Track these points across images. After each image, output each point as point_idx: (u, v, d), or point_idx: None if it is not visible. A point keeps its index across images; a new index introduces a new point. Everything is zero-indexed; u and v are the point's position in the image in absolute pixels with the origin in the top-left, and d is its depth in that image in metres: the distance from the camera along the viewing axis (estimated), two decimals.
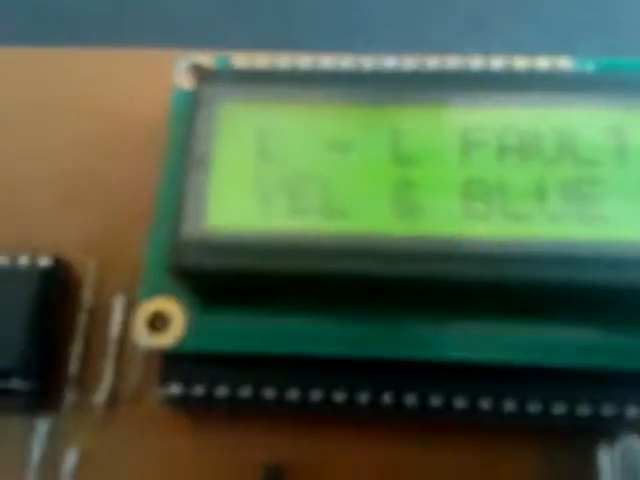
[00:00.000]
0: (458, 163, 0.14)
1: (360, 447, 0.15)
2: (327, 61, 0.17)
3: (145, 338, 0.14)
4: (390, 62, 0.17)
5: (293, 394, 0.15)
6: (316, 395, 0.15)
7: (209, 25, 0.21)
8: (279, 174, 0.14)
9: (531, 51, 0.20)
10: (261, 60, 0.17)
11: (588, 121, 0.14)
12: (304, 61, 0.17)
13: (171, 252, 0.13)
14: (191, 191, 0.13)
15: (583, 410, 0.15)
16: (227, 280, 0.13)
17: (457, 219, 0.14)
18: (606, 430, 0.15)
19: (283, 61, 0.17)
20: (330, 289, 0.14)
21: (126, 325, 0.16)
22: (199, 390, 0.15)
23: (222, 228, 0.13)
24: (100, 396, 0.16)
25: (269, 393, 0.15)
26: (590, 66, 0.16)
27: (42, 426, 0.16)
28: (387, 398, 0.15)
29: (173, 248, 0.13)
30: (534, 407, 0.15)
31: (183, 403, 0.15)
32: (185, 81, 0.17)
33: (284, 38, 0.21)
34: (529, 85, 0.15)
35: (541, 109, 0.14)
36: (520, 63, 0.16)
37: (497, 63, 0.16)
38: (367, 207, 0.14)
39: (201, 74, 0.15)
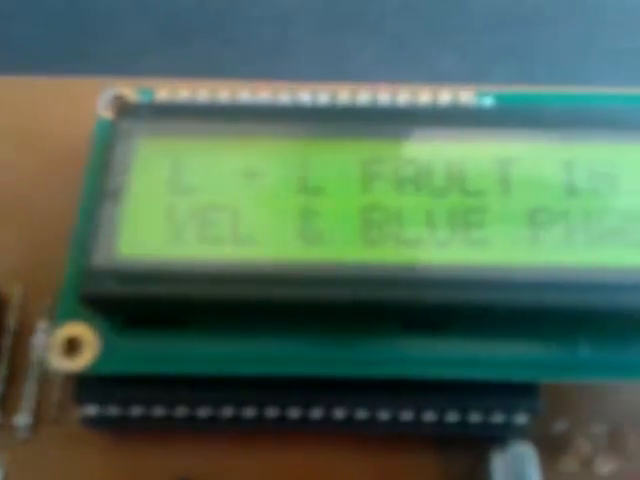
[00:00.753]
0: (359, 193, 0.15)
1: (267, 460, 0.16)
2: (244, 94, 0.18)
3: (59, 362, 0.14)
4: (305, 96, 0.18)
5: (203, 412, 0.16)
6: (226, 412, 0.16)
7: (144, 54, 0.22)
8: (191, 204, 0.15)
9: (450, 78, 0.21)
10: (182, 91, 0.18)
11: (476, 154, 0.16)
12: (223, 94, 0.17)
13: (80, 280, 0.14)
14: (103, 221, 0.14)
15: (475, 418, 0.16)
16: (136, 307, 0.14)
17: (356, 245, 0.15)
18: (498, 437, 0.16)
19: (202, 92, 0.18)
20: (237, 313, 0.15)
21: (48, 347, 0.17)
22: (113, 410, 0.16)
23: (132, 257, 0.14)
24: (22, 417, 0.17)
25: (180, 411, 0.16)
26: (489, 100, 0.18)
27: None
28: (294, 413, 0.16)
29: (82, 276, 0.14)
30: (429, 416, 0.16)
31: (99, 423, 0.16)
32: (108, 112, 0.17)
33: (219, 66, 0.22)
34: (428, 120, 0.16)
35: (436, 143, 0.16)
36: (424, 96, 0.18)
37: (403, 96, 0.18)
38: (274, 234, 0.15)
39: (121, 106, 0.16)
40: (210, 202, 0.15)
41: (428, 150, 0.16)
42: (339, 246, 0.15)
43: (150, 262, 0.14)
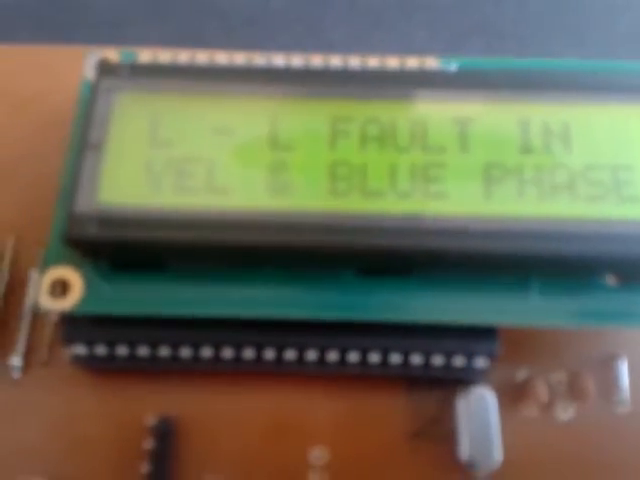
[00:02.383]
0: (327, 149, 0.16)
1: (245, 398, 0.17)
2: (222, 57, 0.19)
3: (48, 302, 0.16)
4: (279, 60, 0.19)
5: (185, 352, 0.17)
6: (206, 353, 0.17)
7: (129, 24, 0.23)
8: (168, 156, 0.16)
9: (422, 51, 0.22)
10: (163, 56, 0.19)
11: (437, 114, 0.17)
12: (201, 57, 0.19)
13: (65, 224, 0.15)
14: (85, 171, 0.15)
15: (437, 361, 0.17)
16: (116, 250, 0.15)
17: (322, 196, 0.16)
18: (462, 380, 0.18)
19: (182, 57, 0.19)
20: (210, 258, 0.16)
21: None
22: (101, 350, 0.17)
23: (113, 203, 0.15)
24: (15, 359, 0.18)
25: (164, 352, 0.17)
26: (453, 65, 0.19)
27: None
28: (269, 354, 0.17)
29: (67, 221, 0.15)
30: (395, 358, 0.17)
31: (87, 362, 0.17)
32: (91, 74, 0.18)
33: (198, 36, 0.23)
34: (393, 82, 0.17)
35: (400, 104, 0.17)
36: (392, 62, 0.19)
37: (372, 62, 0.19)
38: (245, 185, 0.16)
39: (103, 66, 0.17)
40: (185, 155, 0.16)
41: (392, 110, 0.17)
42: (306, 197, 0.16)
43: (129, 209, 0.15)
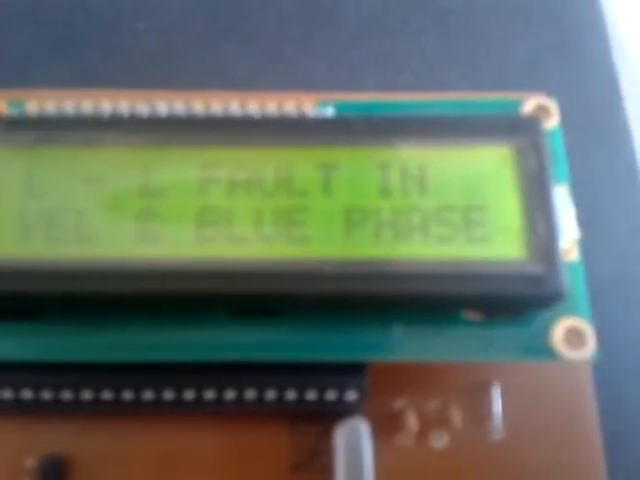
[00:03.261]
0: (196, 195, 0.17)
1: (129, 437, 0.18)
2: (106, 104, 0.19)
3: None
4: (162, 107, 0.19)
5: (66, 395, 0.17)
6: (86, 395, 0.17)
7: (33, 64, 0.23)
8: (40, 207, 0.17)
9: (319, 87, 0.23)
10: (49, 103, 0.19)
11: (302, 158, 0.17)
12: (85, 104, 0.19)
13: None
14: None
15: (311, 395, 0.18)
16: None
17: (189, 243, 0.16)
18: (337, 413, 0.18)
19: (69, 104, 0.19)
20: (80, 307, 0.16)
21: None
22: None
23: None
24: None
25: (45, 395, 0.17)
26: (330, 109, 0.19)
27: None
28: (147, 395, 0.18)
29: None
30: (271, 395, 0.18)
31: None
32: None
33: (101, 73, 0.23)
34: (261, 128, 0.18)
35: (267, 148, 0.17)
36: (271, 106, 0.19)
37: (252, 106, 0.19)
38: (113, 234, 0.16)
39: None
40: (56, 205, 0.16)
41: (260, 156, 0.17)
42: (173, 244, 0.16)
43: (0, 260, 0.16)
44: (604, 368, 0.19)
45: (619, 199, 0.25)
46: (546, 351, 0.17)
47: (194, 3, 0.25)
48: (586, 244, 0.19)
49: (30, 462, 0.17)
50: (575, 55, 0.26)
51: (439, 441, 0.19)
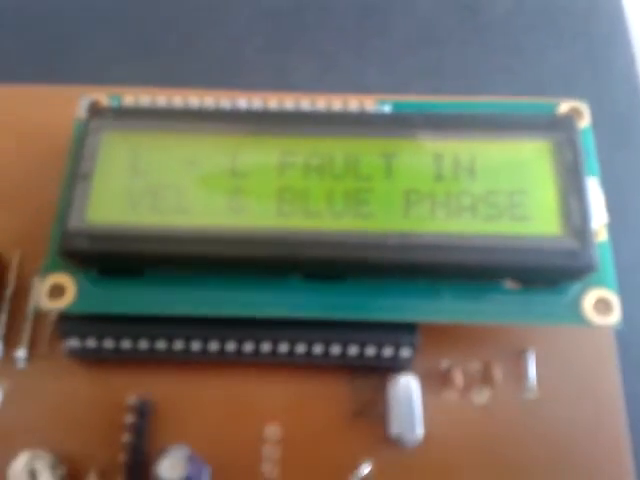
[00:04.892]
0: (276, 177, 0.20)
1: (210, 384, 0.21)
2: (194, 99, 0.22)
3: (47, 304, 0.19)
4: (242, 101, 0.22)
5: (160, 345, 0.20)
6: (177, 345, 0.20)
7: (118, 65, 0.27)
8: (145, 183, 0.20)
9: (373, 91, 0.26)
10: (144, 99, 0.22)
11: (367, 148, 0.20)
12: (176, 99, 0.22)
13: (61, 240, 0.18)
14: (76, 195, 0.19)
15: (370, 351, 0.20)
16: (101, 260, 0.19)
17: (272, 216, 0.19)
18: (392, 368, 0.21)
19: (160, 99, 0.22)
20: (180, 266, 0.19)
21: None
22: (91, 343, 0.20)
23: (99, 222, 0.19)
24: (21, 351, 0.21)
25: (143, 344, 0.20)
26: (387, 107, 0.22)
27: None
28: (230, 346, 0.20)
29: (61, 237, 0.18)
30: (335, 349, 0.20)
31: (79, 353, 0.21)
32: (84, 114, 0.22)
33: (179, 78, 0.26)
34: (331, 121, 0.21)
35: (337, 138, 0.20)
36: (336, 103, 0.22)
37: (320, 102, 0.22)
38: (208, 207, 0.19)
39: (93, 110, 0.21)
40: (159, 182, 0.20)
41: (331, 145, 0.20)
42: (258, 216, 0.19)
43: (112, 226, 0.19)
44: (626, 336, 0.22)
45: None
46: (577, 317, 0.19)
47: (261, 15, 0.28)
48: (612, 233, 0.21)
49: (130, 400, 0.20)
50: (603, 66, 0.29)
51: (480, 397, 0.21)
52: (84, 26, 0.28)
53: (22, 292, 0.22)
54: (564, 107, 0.22)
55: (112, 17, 0.28)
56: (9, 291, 0.22)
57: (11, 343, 0.22)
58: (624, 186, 0.27)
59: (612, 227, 0.21)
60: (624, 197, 0.27)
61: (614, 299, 0.20)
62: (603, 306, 0.20)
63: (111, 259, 0.19)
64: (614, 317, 0.19)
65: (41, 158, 0.24)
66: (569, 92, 0.24)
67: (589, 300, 0.20)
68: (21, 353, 0.21)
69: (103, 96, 0.22)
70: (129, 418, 0.20)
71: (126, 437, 0.20)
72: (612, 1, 0.29)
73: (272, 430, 0.21)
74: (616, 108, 0.28)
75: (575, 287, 0.20)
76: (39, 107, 0.25)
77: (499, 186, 0.19)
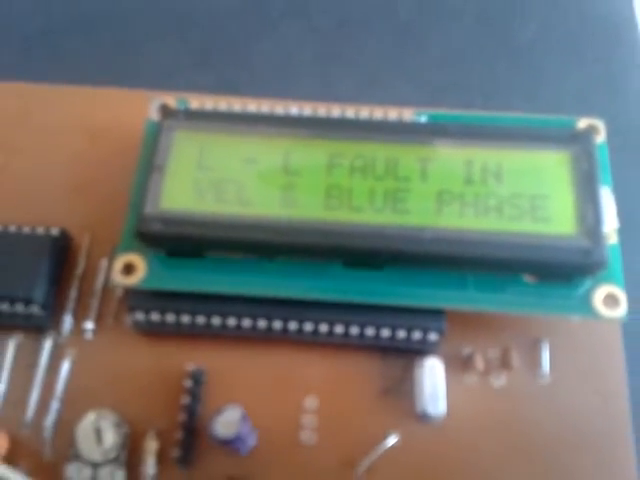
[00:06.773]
0: (324, 175, 0.22)
1: (258, 357, 0.23)
2: (251, 105, 0.25)
3: (119, 279, 0.22)
4: (293, 108, 0.25)
5: (215, 321, 0.23)
6: (230, 322, 0.23)
7: (180, 72, 0.30)
8: (210, 177, 0.22)
9: (408, 103, 0.28)
10: (208, 103, 0.25)
11: (405, 153, 0.23)
12: (236, 104, 0.25)
13: (137, 223, 0.21)
14: (152, 185, 0.22)
15: (401, 334, 0.23)
16: (171, 242, 0.22)
17: (320, 209, 0.22)
18: (420, 350, 0.23)
19: (222, 104, 0.25)
20: (239, 251, 0.22)
21: (107, 277, 0.25)
22: (155, 317, 0.23)
23: (171, 208, 0.22)
24: (89, 323, 0.24)
25: (200, 320, 0.23)
26: (423, 117, 0.25)
27: (48, 342, 0.24)
28: (277, 324, 0.23)
29: (138, 221, 0.21)
30: (370, 331, 0.23)
31: (144, 326, 0.23)
32: (155, 115, 0.25)
33: (235, 85, 0.29)
34: (374, 129, 0.23)
35: (378, 144, 0.23)
36: (377, 113, 0.25)
37: (363, 112, 0.25)
38: (264, 200, 0.22)
39: (165, 111, 0.23)
40: (222, 177, 0.22)
41: (373, 149, 0.23)
42: (308, 209, 0.22)
43: (182, 213, 0.22)
44: (631, 329, 0.24)
45: None
46: (588, 310, 0.22)
47: (308, 31, 0.31)
48: (621, 238, 0.23)
49: (189, 366, 0.23)
50: (619, 87, 0.31)
51: (499, 381, 0.23)
52: (150, 36, 0.31)
53: (90, 272, 0.25)
54: (582, 123, 0.25)
55: (167, 20, 0.31)
56: (79, 270, 0.25)
57: (80, 317, 0.24)
58: (635, 198, 0.30)
59: (622, 232, 0.24)
60: (634, 208, 0.29)
61: (621, 295, 0.22)
62: (611, 301, 0.22)
63: (180, 241, 0.22)
64: (621, 311, 0.22)
65: (110, 154, 0.27)
66: (587, 111, 0.26)
67: (599, 295, 0.22)
68: (89, 325, 0.24)
69: (171, 99, 0.25)
70: (187, 383, 0.22)
71: (184, 399, 0.22)
72: (630, 31, 0.32)
73: (311, 401, 0.23)
74: (630, 127, 0.31)
75: (587, 283, 0.22)
76: (108, 108, 0.28)
77: (522, 190, 0.22)
